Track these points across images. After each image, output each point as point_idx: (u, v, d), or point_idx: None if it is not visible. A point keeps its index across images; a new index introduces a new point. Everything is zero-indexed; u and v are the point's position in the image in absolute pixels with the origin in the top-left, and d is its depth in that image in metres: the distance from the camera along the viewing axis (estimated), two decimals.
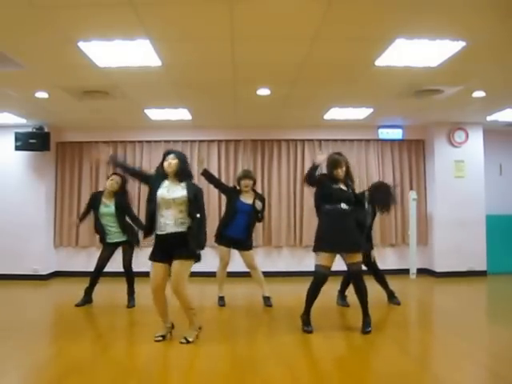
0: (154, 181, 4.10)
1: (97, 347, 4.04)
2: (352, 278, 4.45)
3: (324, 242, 4.34)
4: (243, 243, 5.46)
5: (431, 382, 3.28)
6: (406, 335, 4.51)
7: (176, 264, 3.93)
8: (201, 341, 4.08)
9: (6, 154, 7.41)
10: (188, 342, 4.00)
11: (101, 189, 7.58)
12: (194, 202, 3.96)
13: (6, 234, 7.33)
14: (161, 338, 4.10)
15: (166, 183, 4.05)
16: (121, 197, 5.52)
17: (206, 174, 5.51)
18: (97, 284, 5.62)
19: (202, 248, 4.00)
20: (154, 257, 4.02)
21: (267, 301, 5.54)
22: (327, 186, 4.42)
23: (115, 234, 5.52)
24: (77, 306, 5.48)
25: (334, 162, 4.45)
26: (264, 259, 7.54)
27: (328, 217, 4.39)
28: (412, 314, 5.62)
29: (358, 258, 4.40)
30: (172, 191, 3.99)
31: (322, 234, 4.41)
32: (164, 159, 4.10)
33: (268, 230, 7.72)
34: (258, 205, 5.43)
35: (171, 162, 4.03)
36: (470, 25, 3.57)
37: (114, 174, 5.60)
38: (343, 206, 4.33)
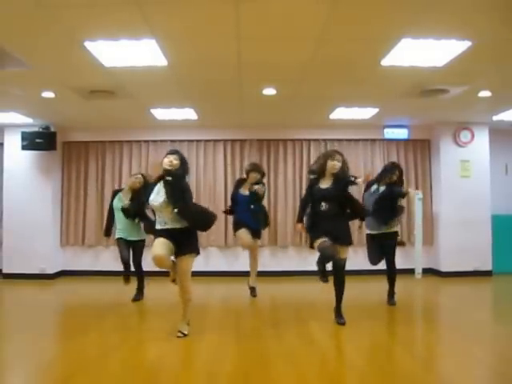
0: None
1: (103, 346, 4.05)
2: (333, 270, 4.52)
3: (313, 233, 4.54)
4: (257, 231, 5.74)
5: (436, 382, 3.27)
6: (410, 335, 4.49)
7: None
8: (207, 339, 4.10)
9: (12, 153, 7.46)
10: (185, 335, 4.10)
11: (106, 188, 7.70)
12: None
13: (13, 233, 7.38)
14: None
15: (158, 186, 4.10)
16: (139, 195, 5.42)
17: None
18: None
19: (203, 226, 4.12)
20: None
21: (253, 291, 5.81)
22: (310, 193, 4.65)
23: (129, 232, 5.56)
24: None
25: (327, 154, 4.65)
26: (270, 259, 7.57)
27: (309, 216, 4.65)
28: (417, 313, 5.60)
29: (344, 253, 4.49)
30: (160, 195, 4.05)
31: (307, 229, 4.65)
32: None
33: (274, 230, 7.71)
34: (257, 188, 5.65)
35: (172, 161, 4.07)
36: (475, 25, 3.57)
37: (141, 174, 5.75)
38: (323, 206, 4.46)
